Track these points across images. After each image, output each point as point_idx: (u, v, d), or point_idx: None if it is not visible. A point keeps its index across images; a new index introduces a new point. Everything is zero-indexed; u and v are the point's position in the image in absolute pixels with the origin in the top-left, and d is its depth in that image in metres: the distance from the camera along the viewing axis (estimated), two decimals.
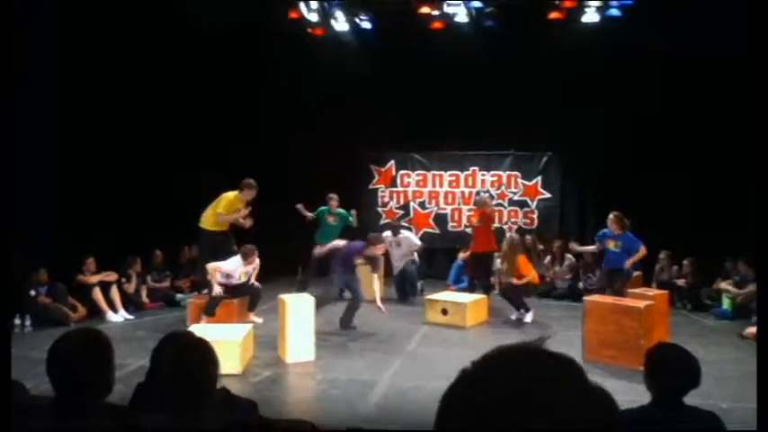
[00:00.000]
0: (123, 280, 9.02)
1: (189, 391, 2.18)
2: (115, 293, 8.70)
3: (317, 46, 11.19)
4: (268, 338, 7.15)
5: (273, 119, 11.07)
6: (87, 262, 8.68)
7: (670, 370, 2.65)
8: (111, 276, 8.81)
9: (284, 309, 6.73)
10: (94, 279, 8.64)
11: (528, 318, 8.50)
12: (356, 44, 11.34)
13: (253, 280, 8.17)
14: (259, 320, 8.04)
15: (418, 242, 10.56)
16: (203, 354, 2.30)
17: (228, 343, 5.99)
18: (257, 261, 8.04)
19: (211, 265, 7.83)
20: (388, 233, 10.08)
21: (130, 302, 8.99)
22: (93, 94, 8.57)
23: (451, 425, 0.73)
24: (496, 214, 10.74)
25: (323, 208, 9.89)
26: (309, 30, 11.15)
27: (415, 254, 10.33)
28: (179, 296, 9.62)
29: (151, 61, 9.22)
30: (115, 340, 2.29)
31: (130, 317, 8.66)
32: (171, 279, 9.92)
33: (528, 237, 10.70)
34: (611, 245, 8.07)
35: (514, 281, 8.65)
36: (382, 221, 11.89)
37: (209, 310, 7.65)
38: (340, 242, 8.50)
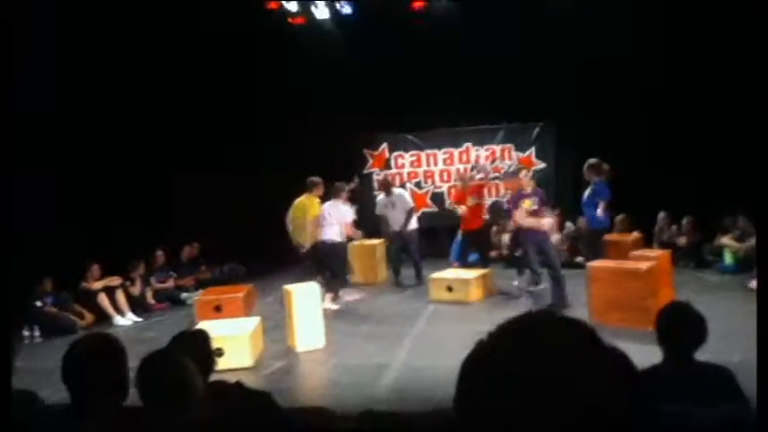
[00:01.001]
0: (128, 283, 9.04)
1: (159, 388, 2.20)
2: (121, 297, 8.70)
3: (299, 35, 11.10)
4: (277, 329, 7.17)
5: (268, 115, 10.97)
6: (92, 268, 8.69)
7: (676, 326, 2.70)
8: (115, 281, 8.81)
9: (290, 299, 6.74)
10: (98, 285, 8.63)
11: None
12: (338, 30, 11.27)
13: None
14: (335, 307, 8.07)
15: (411, 201, 9.94)
16: (168, 352, 2.31)
17: (238, 337, 6.02)
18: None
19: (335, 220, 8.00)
20: (381, 196, 9.98)
21: (137, 305, 9.00)
22: (92, 101, 8.56)
23: (470, 395, 0.73)
24: (485, 188, 10.66)
25: None
26: (290, 19, 11.07)
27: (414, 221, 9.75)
28: (184, 295, 9.64)
29: (141, 64, 9.19)
30: (125, 343, 2.29)
31: (139, 319, 8.68)
32: (174, 279, 9.94)
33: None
34: (586, 192, 8.32)
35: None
36: None
37: (338, 288, 8.13)
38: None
